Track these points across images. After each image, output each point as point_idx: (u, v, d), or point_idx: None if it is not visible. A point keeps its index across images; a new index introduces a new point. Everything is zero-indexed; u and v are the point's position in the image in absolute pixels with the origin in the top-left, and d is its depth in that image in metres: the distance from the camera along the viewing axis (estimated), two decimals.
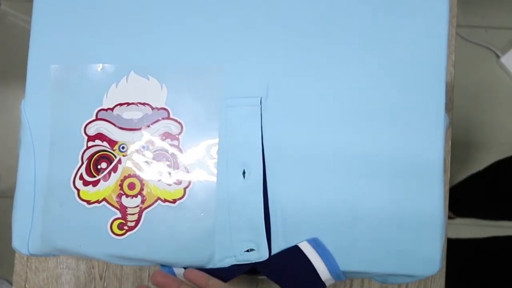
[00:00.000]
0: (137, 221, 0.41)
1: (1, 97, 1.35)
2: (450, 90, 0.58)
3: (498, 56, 1.27)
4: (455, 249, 0.65)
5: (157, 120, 0.42)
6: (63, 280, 0.57)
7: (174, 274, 0.42)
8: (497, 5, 1.27)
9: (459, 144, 1.24)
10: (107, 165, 0.42)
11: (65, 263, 0.58)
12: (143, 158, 0.42)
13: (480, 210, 1.01)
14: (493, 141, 1.25)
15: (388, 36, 0.43)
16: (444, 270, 0.55)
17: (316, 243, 0.41)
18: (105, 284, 0.57)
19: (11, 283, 1.19)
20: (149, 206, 0.41)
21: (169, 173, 0.42)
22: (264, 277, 0.53)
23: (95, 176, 0.42)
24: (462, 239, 0.84)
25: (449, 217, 1.15)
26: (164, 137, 0.42)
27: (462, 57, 1.13)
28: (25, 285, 0.58)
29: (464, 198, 1.00)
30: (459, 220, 1.15)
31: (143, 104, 0.42)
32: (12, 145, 1.30)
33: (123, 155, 0.42)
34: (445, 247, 0.54)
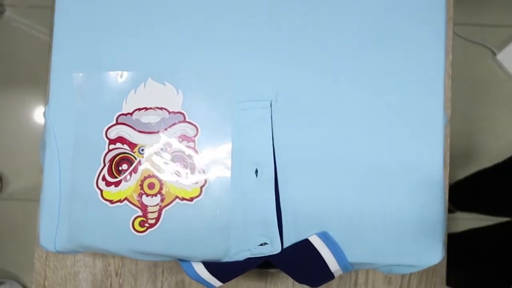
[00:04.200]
0: (157, 219, 0.43)
1: (6, 102, 1.35)
2: (448, 89, 0.60)
3: (494, 53, 1.29)
4: (454, 241, 0.68)
5: (174, 124, 0.44)
6: (80, 277, 0.59)
7: (193, 268, 0.44)
8: (492, 3, 1.29)
9: (457, 141, 1.26)
10: (128, 166, 0.43)
11: (82, 260, 0.59)
12: (161, 160, 0.43)
13: (480, 206, 1.03)
14: (491, 137, 1.27)
15: (389, 38, 0.44)
16: (445, 260, 0.58)
17: (325, 237, 0.43)
18: (120, 280, 0.59)
19: (20, 283, 1.20)
20: (168, 204, 0.43)
21: (186, 173, 0.43)
22: (274, 270, 0.55)
23: (116, 177, 0.43)
24: (459, 232, 0.87)
25: (450, 211, 1.18)
26: (180, 139, 0.44)
27: (459, 55, 1.15)
28: (44, 283, 0.59)
29: (465, 194, 1.01)
30: (459, 214, 1.17)
31: (160, 108, 0.44)
32: (18, 150, 1.32)
33: (143, 157, 0.43)
34: (446, 239, 0.57)
